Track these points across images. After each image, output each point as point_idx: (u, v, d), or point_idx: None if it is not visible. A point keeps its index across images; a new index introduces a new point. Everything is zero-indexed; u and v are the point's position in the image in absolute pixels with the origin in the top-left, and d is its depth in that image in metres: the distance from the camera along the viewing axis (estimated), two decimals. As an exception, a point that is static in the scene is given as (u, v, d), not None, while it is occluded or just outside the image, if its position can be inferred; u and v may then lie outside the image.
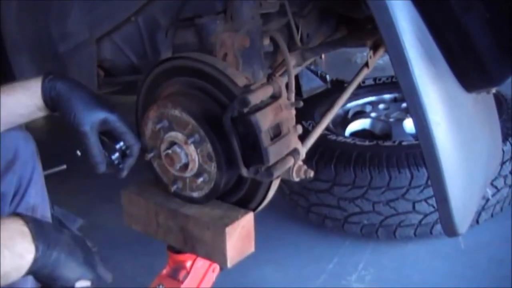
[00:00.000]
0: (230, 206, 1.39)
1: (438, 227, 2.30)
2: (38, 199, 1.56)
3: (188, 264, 1.61)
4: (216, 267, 1.69)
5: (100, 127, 1.27)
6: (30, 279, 1.37)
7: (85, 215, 1.79)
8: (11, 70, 1.56)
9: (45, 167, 1.50)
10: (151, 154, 1.37)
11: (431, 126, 1.04)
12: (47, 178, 1.60)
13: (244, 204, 1.38)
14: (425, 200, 2.24)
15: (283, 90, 1.30)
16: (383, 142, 2.40)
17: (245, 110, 1.23)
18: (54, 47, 1.52)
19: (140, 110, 1.47)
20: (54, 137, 2.86)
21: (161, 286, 1.60)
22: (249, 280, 2.25)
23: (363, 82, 2.99)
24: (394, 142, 2.40)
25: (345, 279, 2.25)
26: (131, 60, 1.70)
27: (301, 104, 1.33)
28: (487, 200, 2.33)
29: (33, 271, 1.03)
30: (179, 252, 1.59)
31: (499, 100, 2.50)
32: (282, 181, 1.39)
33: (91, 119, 1.25)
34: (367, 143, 2.40)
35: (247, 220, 1.35)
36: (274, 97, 1.28)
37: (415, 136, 2.56)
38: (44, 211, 1.60)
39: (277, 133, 1.27)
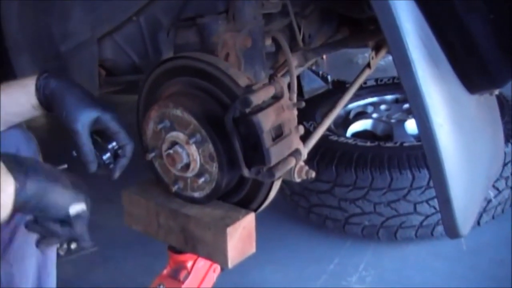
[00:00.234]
0: (231, 206, 1.39)
1: (439, 228, 2.29)
2: None
3: (189, 264, 1.61)
4: (217, 267, 1.69)
5: (92, 126, 1.26)
6: (31, 279, 1.37)
7: (85, 214, 1.78)
8: (13, 70, 1.56)
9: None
10: (152, 154, 1.36)
11: (434, 127, 1.04)
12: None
13: (246, 205, 1.38)
14: (427, 201, 2.24)
15: (285, 90, 1.30)
16: (384, 143, 2.40)
17: (247, 110, 1.23)
18: (56, 46, 1.52)
19: (141, 110, 1.47)
20: (54, 136, 2.86)
21: (161, 286, 1.60)
22: (249, 281, 2.25)
23: (365, 83, 2.98)
24: (395, 143, 2.40)
25: (346, 280, 2.24)
26: (133, 60, 1.70)
27: (303, 104, 1.32)
28: (489, 201, 2.33)
29: (20, 205, 1.00)
30: (180, 252, 1.59)
31: (501, 102, 2.50)
32: (283, 181, 1.38)
33: (83, 117, 1.24)
34: (368, 144, 2.39)
35: (248, 221, 1.35)
36: (276, 98, 1.28)
37: (416, 137, 2.56)
38: None
39: (278, 134, 1.27)
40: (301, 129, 1.33)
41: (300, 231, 2.57)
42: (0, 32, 1.51)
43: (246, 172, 1.27)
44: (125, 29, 1.62)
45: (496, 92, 1.31)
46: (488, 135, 1.39)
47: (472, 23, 1.04)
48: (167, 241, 1.46)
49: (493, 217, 2.40)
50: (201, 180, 1.31)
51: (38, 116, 1.32)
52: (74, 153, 1.27)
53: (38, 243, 1.11)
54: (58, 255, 1.53)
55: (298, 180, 1.33)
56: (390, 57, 2.83)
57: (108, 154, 1.30)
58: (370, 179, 2.25)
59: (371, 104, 3.00)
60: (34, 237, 1.26)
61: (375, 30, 2.00)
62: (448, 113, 1.09)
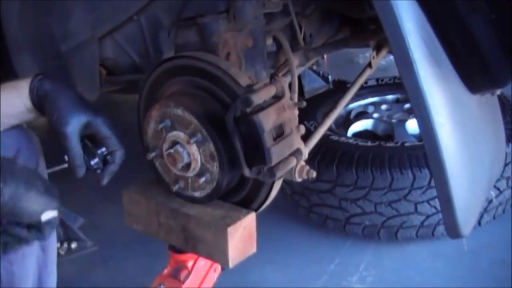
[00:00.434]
0: (232, 206, 1.39)
1: (440, 228, 2.29)
2: None
3: (190, 264, 1.61)
4: (218, 267, 1.69)
5: (83, 130, 1.25)
6: (31, 278, 1.36)
7: (85, 215, 1.78)
8: (13, 70, 1.56)
9: (47, 166, 1.49)
10: (153, 154, 1.36)
11: (435, 127, 1.04)
12: (49, 176, 1.59)
13: (246, 204, 1.38)
14: (427, 201, 2.24)
15: (286, 90, 1.30)
16: (385, 143, 2.39)
17: (248, 110, 1.23)
18: (56, 46, 1.52)
19: (142, 109, 1.46)
20: (54, 136, 2.86)
21: (162, 286, 1.60)
22: (250, 280, 2.25)
23: (366, 82, 2.98)
24: (396, 143, 2.40)
25: (346, 280, 2.24)
26: (133, 59, 1.70)
27: (304, 104, 1.32)
28: (490, 201, 2.32)
29: None
30: (180, 252, 1.59)
31: (502, 102, 2.49)
32: (284, 181, 1.38)
33: (73, 121, 1.23)
34: (369, 144, 2.39)
35: (249, 221, 1.35)
36: (277, 97, 1.28)
37: (417, 137, 2.55)
38: None
39: (279, 133, 1.27)
40: (302, 129, 1.33)
41: (301, 231, 2.57)
42: (1, 31, 1.51)
43: (247, 172, 1.27)
44: (126, 28, 1.61)
45: (498, 92, 1.30)
46: (490, 135, 1.39)
47: (474, 23, 1.04)
48: (167, 240, 1.46)
49: (494, 217, 2.40)
50: (202, 179, 1.31)
51: (33, 119, 1.31)
52: (66, 157, 1.26)
53: (4, 249, 1.11)
54: (58, 254, 1.53)
55: (299, 179, 1.33)
56: (391, 57, 2.84)
57: (96, 159, 1.29)
58: (371, 179, 2.25)
59: (372, 104, 3.00)
60: None
61: (376, 30, 2.00)
62: (449, 113, 1.09)
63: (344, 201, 2.33)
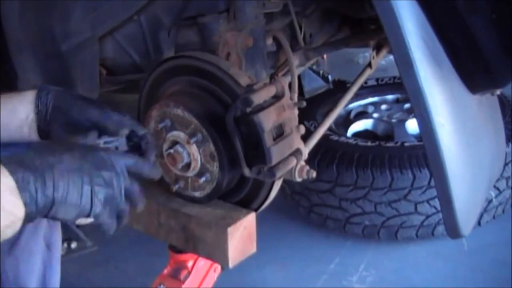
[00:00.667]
0: (232, 206, 1.39)
1: (440, 228, 2.29)
2: None
3: (190, 264, 1.61)
4: (218, 267, 1.69)
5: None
6: (36, 276, 1.35)
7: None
8: (13, 69, 1.56)
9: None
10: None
11: (435, 127, 1.04)
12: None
13: (246, 204, 1.38)
14: (427, 201, 2.24)
15: (286, 90, 1.30)
16: (385, 143, 2.39)
17: (248, 110, 1.23)
18: (57, 45, 1.52)
19: (142, 109, 1.47)
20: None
21: (162, 286, 1.60)
22: (250, 280, 2.25)
23: (366, 82, 2.98)
24: (396, 143, 2.40)
25: (346, 280, 2.24)
26: (134, 59, 1.70)
27: (304, 104, 1.32)
28: (490, 201, 2.33)
29: (28, 220, 0.94)
30: (180, 252, 1.59)
31: (501, 102, 2.50)
32: (284, 181, 1.38)
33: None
34: (369, 143, 2.39)
35: (249, 220, 1.35)
36: (277, 97, 1.28)
37: (417, 137, 2.55)
38: None
39: (279, 133, 1.27)
40: (302, 129, 1.33)
41: (301, 230, 2.57)
42: (1, 31, 1.51)
43: (247, 172, 1.27)
44: (126, 28, 1.61)
45: (498, 92, 1.30)
46: (490, 135, 1.39)
47: (474, 23, 1.04)
48: (167, 240, 1.46)
49: (493, 217, 2.40)
50: (202, 179, 1.31)
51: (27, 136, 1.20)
52: None
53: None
54: (58, 254, 1.53)
55: (299, 179, 1.33)
56: (391, 57, 2.84)
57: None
58: (371, 179, 2.25)
59: (372, 103, 3.00)
60: (41, 233, 1.23)
61: (376, 30, 2.00)
62: (449, 113, 1.09)
63: (344, 201, 2.33)
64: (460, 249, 2.31)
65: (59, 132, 1.15)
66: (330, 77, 3.12)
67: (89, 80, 1.58)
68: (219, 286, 1.77)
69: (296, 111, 1.33)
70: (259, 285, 2.24)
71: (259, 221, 1.38)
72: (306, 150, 1.35)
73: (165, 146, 1.33)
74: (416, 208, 2.25)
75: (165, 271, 1.66)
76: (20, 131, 1.17)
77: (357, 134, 2.78)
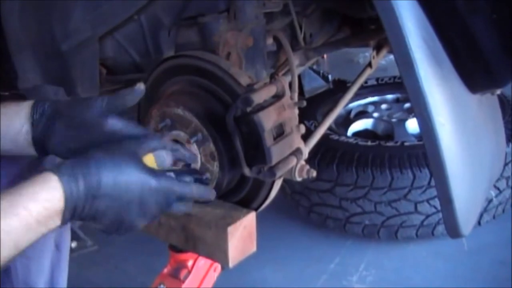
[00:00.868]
0: (232, 205, 1.39)
1: (440, 228, 2.29)
2: None
3: (190, 263, 1.61)
4: (218, 266, 1.69)
5: None
6: (45, 275, 1.35)
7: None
8: (14, 69, 1.56)
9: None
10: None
11: (436, 127, 1.04)
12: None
13: (246, 204, 1.38)
14: (427, 200, 2.24)
15: (286, 89, 1.30)
16: (385, 142, 2.40)
17: (248, 109, 1.23)
18: (57, 45, 1.52)
19: (142, 108, 1.47)
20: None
21: (162, 286, 1.60)
22: (250, 280, 2.25)
23: (366, 82, 2.98)
24: (396, 142, 2.40)
25: (346, 280, 2.24)
26: (134, 59, 1.70)
27: (304, 103, 1.32)
28: (490, 201, 2.33)
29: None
30: (180, 251, 1.59)
31: (501, 101, 2.50)
32: (284, 180, 1.38)
33: None
34: (369, 143, 2.39)
35: (249, 220, 1.35)
36: (277, 97, 1.28)
37: (417, 137, 2.56)
38: None
39: (280, 133, 1.27)
40: (302, 128, 1.33)
41: (301, 230, 2.57)
42: (1, 31, 1.51)
43: (247, 171, 1.27)
44: (126, 28, 1.61)
45: (498, 92, 1.30)
46: (490, 134, 1.39)
47: (475, 23, 1.04)
48: (168, 240, 1.46)
49: (494, 217, 2.40)
50: (202, 179, 1.31)
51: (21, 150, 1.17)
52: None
53: None
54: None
55: (299, 179, 1.33)
56: (391, 57, 2.84)
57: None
58: (371, 178, 2.25)
59: (372, 103, 3.01)
60: (52, 234, 1.22)
61: (376, 30, 2.00)
62: (450, 112, 1.09)
63: (344, 200, 2.33)
64: (460, 249, 2.31)
65: (60, 137, 1.11)
66: (330, 77, 3.12)
67: (89, 79, 1.58)
68: (219, 286, 1.77)
69: (296, 111, 1.33)
70: (259, 284, 2.24)
71: (259, 220, 1.38)
72: (306, 150, 1.35)
73: (165, 146, 1.33)
74: (416, 207, 2.25)
75: (165, 271, 1.66)
76: (15, 142, 1.13)
77: (357, 134, 2.78)
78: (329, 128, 2.39)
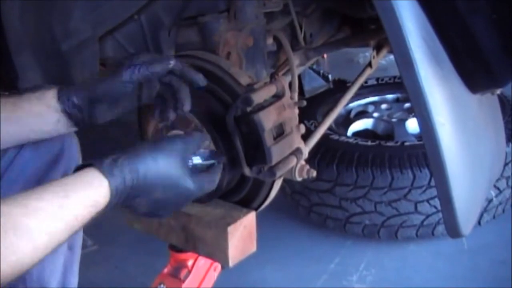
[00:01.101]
0: (232, 205, 1.39)
1: (440, 228, 2.29)
2: None
3: (190, 263, 1.61)
4: (218, 266, 1.69)
5: None
6: (55, 280, 1.35)
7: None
8: (14, 68, 1.56)
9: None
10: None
11: (436, 127, 1.04)
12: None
13: (246, 204, 1.38)
14: (427, 200, 2.24)
15: (286, 89, 1.30)
16: (385, 142, 2.39)
17: (248, 109, 1.23)
18: (57, 45, 1.52)
19: (142, 108, 1.46)
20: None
21: (162, 285, 1.60)
22: (249, 280, 2.25)
23: (366, 82, 2.98)
24: (396, 142, 2.40)
25: (346, 280, 2.24)
26: (134, 58, 1.70)
27: (304, 103, 1.32)
28: (490, 201, 2.33)
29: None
30: (180, 251, 1.59)
31: (502, 102, 2.50)
32: (284, 180, 1.38)
33: None
34: (369, 143, 2.39)
35: (249, 220, 1.35)
36: (277, 97, 1.28)
37: (417, 137, 2.56)
38: None
39: (280, 133, 1.27)
40: (302, 128, 1.33)
41: (301, 230, 2.57)
42: (1, 31, 1.51)
43: (247, 171, 1.27)
44: (127, 27, 1.61)
45: (498, 91, 1.30)
46: (490, 134, 1.39)
47: (475, 23, 1.04)
48: (168, 240, 1.46)
49: (494, 217, 2.40)
50: (202, 179, 1.31)
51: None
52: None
53: None
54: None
55: (299, 179, 1.33)
56: (391, 56, 2.84)
57: None
58: (371, 178, 2.25)
59: (372, 103, 3.00)
60: None
61: (376, 30, 2.00)
62: (450, 112, 1.09)
63: (344, 200, 2.33)
64: (460, 249, 2.31)
65: (105, 116, 1.19)
66: (330, 77, 3.12)
67: (89, 79, 1.58)
68: (219, 286, 1.77)
69: (297, 111, 1.33)
70: (259, 284, 2.24)
71: (259, 220, 1.38)
72: (306, 150, 1.35)
73: (165, 146, 1.33)
74: (416, 207, 2.25)
75: (165, 270, 1.66)
76: (51, 134, 1.21)
77: (357, 134, 2.78)
78: (329, 128, 2.38)
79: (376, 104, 2.99)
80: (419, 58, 1.01)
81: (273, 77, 1.31)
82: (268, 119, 1.22)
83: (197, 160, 1.13)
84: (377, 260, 2.33)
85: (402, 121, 2.73)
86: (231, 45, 1.47)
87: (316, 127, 1.66)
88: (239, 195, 1.39)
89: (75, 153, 1.34)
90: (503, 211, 2.43)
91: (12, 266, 0.83)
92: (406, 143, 2.35)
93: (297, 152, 1.30)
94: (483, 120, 1.31)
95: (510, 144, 2.32)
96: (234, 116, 1.23)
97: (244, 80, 1.28)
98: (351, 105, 2.94)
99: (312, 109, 2.68)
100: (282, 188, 1.66)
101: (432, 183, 2.20)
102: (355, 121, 2.85)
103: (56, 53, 1.51)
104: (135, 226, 1.51)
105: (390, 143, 2.38)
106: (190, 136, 1.14)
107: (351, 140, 2.45)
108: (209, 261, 1.64)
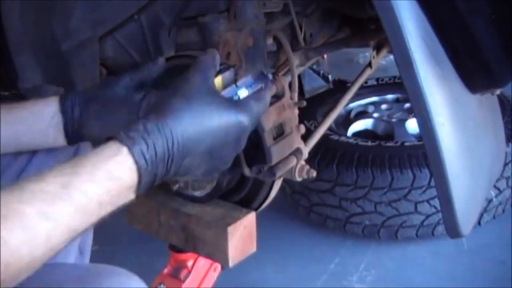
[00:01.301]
0: (232, 205, 1.39)
1: (440, 228, 2.29)
2: None
3: (190, 263, 1.62)
4: (218, 266, 1.69)
5: None
6: (74, 254, 1.34)
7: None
8: (14, 69, 1.56)
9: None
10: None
11: (435, 127, 1.04)
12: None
13: (246, 204, 1.38)
14: (427, 201, 2.24)
15: (286, 89, 1.30)
16: (385, 142, 2.40)
17: (248, 109, 1.22)
18: (57, 45, 1.52)
19: (142, 108, 1.46)
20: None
21: (162, 286, 1.60)
22: (249, 280, 2.25)
23: (366, 82, 2.98)
24: (396, 142, 2.40)
25: (346, 280, 2.24)
26: (134, 59, 1.70)
27: (304, 103, 1.32)
28: (490, 201, 2.33)
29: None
30: (180, 251, 1.59)
31: (502, 102, 2.50)
32: (284, 180, 1.38)
33: None
34: (369, 143, 2.39)
35: (249, 220, 1.35)
36: (277, 97, 1.28)
37: (417, 137, 2.56)
38: None
39: (280, 133, 1.27)
40: (302, 128, 1.33)
41: (301, 230, 2.57)
42: (2, 30, 1.51)
43: (247, 171, 1.27)
44: (127, 28, 1.61)
45: (498, 92, 1.30)
46: (490, 134, 1.39)
47: (475, 23, 1.04)
48: (167, 240, 1.46)
49: (494, 217, 2.40)
50: (202, 179, 1.31)
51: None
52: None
53: None
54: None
55: (299, 179, 1.33)
56: (391, 57, 2.84)
57: None
58: (371, 178, 2.25)
59: (372, 103, 3.00)
60: (77, 238, 1.23)
61: (376, 30, 2.00)
62: (450, 112, 1.09)
63: (344, 200, 2.33)
64: (460, 249, 2.31)
65: (95, 120, 1.11)
66: (330, 77, 3.12)
67: (89, 79, 1.58)
68: (219, 286, 1.77)
69: (296, 111, 1.33)
70: (259, 285, 2.24)
71: (259, 220, 1.38)
72: (306, 150, 1.35)
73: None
74: (416, 207, 2.25)
75: (165, 271, 1.66)
76: (45, 133, 1.12)
77: (357, 134, 2.78)
78: (329, 128, 2.39)
79: (376, 104, 2.99)
80: (419, 58, 1.01)
81: (273, 77, 1.31)
82: (268, 119, 1.22)
83: (243, 92, 1.01)
84: (377, 260, 2.33)
85: (402, 121, 2.73)
86: (231, 45, 1.47)
87: (316, 127, 1.66)
88: (239, 195, 1.39)
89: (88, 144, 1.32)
90: (503, 211, 2.43)
91: (6, 260, 0.70)
92: (406, 144, 2.35)
93: (297, 152, 1.30)
94: (483, 120, 1.31)
95: (510, 144, 2.32)
96: (234, 116, 1.23)
97: (244, 80, 1.28)
98: (351, 105, 2.94)
99: (312, 109, 2.68)
100: (282, 188, 1.67)
101: (432, 183, 2.20)
102: (355, 121, 2.85)
103: (56, 53, 1.51)
104: (135, 226, 1.51)
105: (390, 143, 2.38)
106: (202, 62, 0.99)
107: (351, 140, 2.45)
108: (209, 261, 1.64)
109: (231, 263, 1.33)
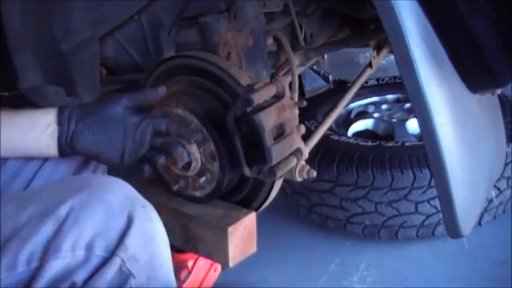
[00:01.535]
0: (232, 205, 1.39)
1: (440, 228, 2.29)
2: None
3: (190, 263, 1.62)
4: (218, 266, 1.69)
5: None
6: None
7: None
8: (14, 69, 1.56)
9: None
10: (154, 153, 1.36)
11: (436, 127, 1.04)
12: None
13: (247, 204, 1.38)
14: (428, 201, 2.23)
15: (286, 89, 1.30)
16: (385, 142, 2.39)
17: (249, 109, 1.23)
18: (57, 45, 1.52)
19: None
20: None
21: (162, 286, 1.60)
22: (250, 280, 2.24)
23: (366, 82, 2.97)
24: (397, 142, 2.39)
25: (347, 280, 2.24)
26: (134, 59, 1.70)
27: (305, 104, 1.32)
28: (490, 201, 2.32)
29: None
30: (180, 251, 1.59)
31: (502, 102, 2.49)
32: (284, 180, 1.38)
33: None
34: (369, 143, 2.39)
35: (250, 220, 1.35)
36: (278, 97, 1.28)
37: (418, 137, 2.55)
38: None
39: (280, 133, 1.27)
40: (303, 128, 1.33)
41: (301, 230, 2.57)
42: (2, 30, 1.51)
43: (247, 171, 1.27)
44: (127, 28, 1.62)
45: (498, 91, 1.30)
46: (490, 134, 1.39)
47: (475, 22, 1.04)
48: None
49: (494, 217, 2.39)
50: (203, 179, 1.31)
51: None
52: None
53: None
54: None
55: (299, 179, 1.33)
56: (391, 57, 2.84)
57: None
58: (371, 178, 2.25)
59: (373, 103, 3.00)
60: None
61: (376, 30, 2.00)
62: (450, 112, 1.09)
63: (345, 200, 2.33)
64: (461, 249, 2.31)
65: (88, 134, 1.17)
66: (330, 77, 3.12)
67: (89, 79, 1.58)
68: (219, 286, 1.77)
69: (297, 111, 1.33)
70: (259, 285, 2.24)
71: (259, 220, 1.38)
72: (306, 150, 1.35)
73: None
74: (416, 208, 2.25)
75: (166, 271, 1.65)
76: (38, 142, 1.15)
77: (357, 134, 2.78)
78: (330, 128, 2.38)
79: (376, 104, 2.99)
80: (419, 58, 1.01)
81: (273, 77, 1.31)
82: (268, 120, 1.22)
83: None
84: (378, 261, 2.33)
85: (403, 121, 2.73)
86: (231, 45, 1.47)
87: (316, 128, 1.66)
88: (239, 195, 1.39)
89: None
90: (504, 211, 2.42)
91: None
92: (407, 144, 2.35)
93: (297, 152, 1.30)
94: (483, 120, 1.31)
95: (510, 144, 2.31)
96: (234, 116, 1.24)
97: (244, 80, 1.28)
98: (352, 105, 2.94)
99: (312, 109, 2.68)
100: (282, 189, 1.67)
101: (433, 184, 2.20)
102: (356, 122, 2.84)
103: (56, 53, 1.51)
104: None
105: (390, 144, 2.38)
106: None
107: (351, 141, 2.44)
108: (209, 261, 1.64)
109: (231, 263, 1.33)
